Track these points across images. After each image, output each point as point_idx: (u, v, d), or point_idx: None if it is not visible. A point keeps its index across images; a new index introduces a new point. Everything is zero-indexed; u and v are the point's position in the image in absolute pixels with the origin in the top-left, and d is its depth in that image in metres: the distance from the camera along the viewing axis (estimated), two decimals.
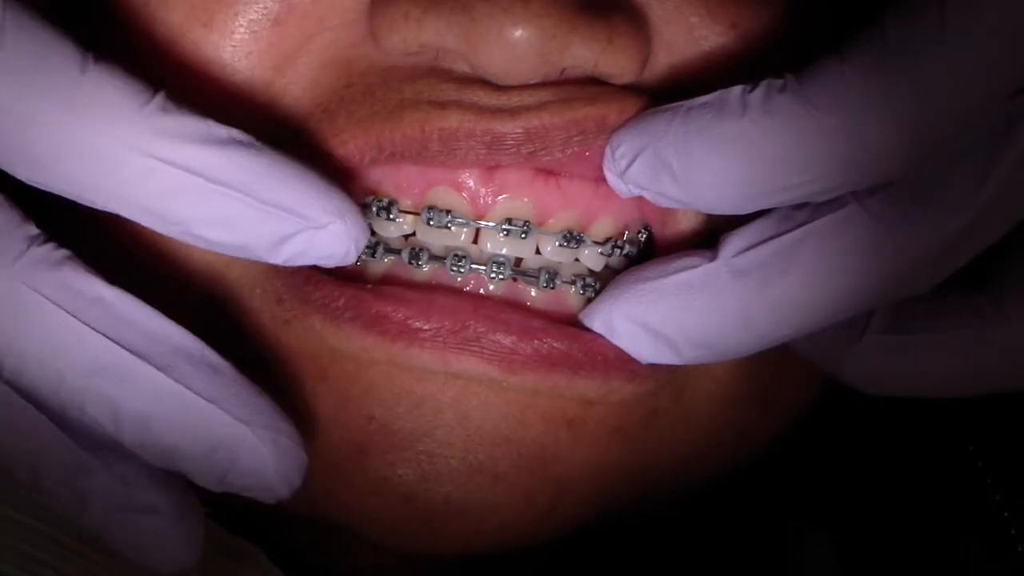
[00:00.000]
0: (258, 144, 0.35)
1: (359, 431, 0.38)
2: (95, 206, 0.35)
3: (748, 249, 0.37)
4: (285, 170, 0.35)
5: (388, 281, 0.40)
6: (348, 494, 0.39)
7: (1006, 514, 0.45)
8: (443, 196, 0.40)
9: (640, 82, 0.39)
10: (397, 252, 0.40)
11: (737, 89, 0.36)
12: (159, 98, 0.34)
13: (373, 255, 0.40)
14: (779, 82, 0.35)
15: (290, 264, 0.36)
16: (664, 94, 0.39)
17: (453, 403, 0.38)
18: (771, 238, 0.37)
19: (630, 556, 0.50)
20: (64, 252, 0.35)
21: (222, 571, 0.40)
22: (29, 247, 0.35)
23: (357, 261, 0.41)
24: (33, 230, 0.35)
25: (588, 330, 0.39)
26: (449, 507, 0.39)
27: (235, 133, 0.35)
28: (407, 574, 0.46)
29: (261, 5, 0.38)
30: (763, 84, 0.35)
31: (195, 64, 0.38)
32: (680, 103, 0.37)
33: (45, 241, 0.35)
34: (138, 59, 0.37)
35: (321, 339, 0.38)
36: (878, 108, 0.34)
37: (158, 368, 0.35)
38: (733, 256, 0.37)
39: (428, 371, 0.38)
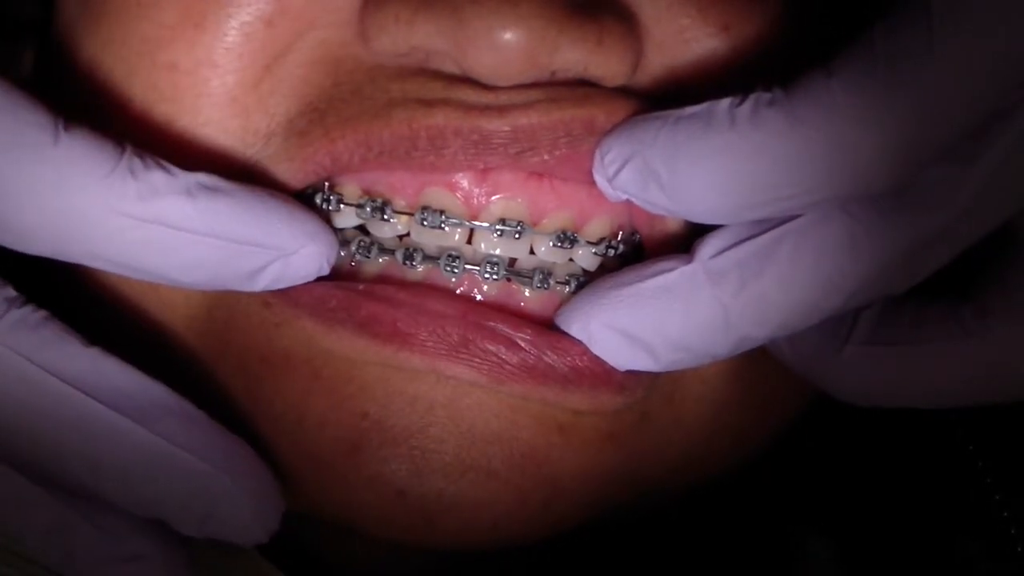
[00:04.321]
0: (223, 184, 0.36)
1: (353, 428, 0.39)
2: (69, 260, 0.36)
3: (725, 250, 0.37)
4: (250, 206, 0.36)
5: (382, 282, 0.40)
6: (341, 489, 0.39)
7: (1006, 514, 0.45)
8: (437, 196, 0.40)
9: (632, 84, 0.39)
10: (391, 252, 0.41)
11: (725, 101, 0.36)
12: (126, 159, 0.35)
13: (368, 255, 0.41)
14: (767, 96, 0.35)
15: (268, 290, 0.37)
16: (656, 96, 0.39)
17: (446, 402, 0.39)
18: (747, 239, 0.37)
19: (629, 557, 0.50)
20: (42, 313, 0.37)
21: (214, 567, 0.40)
22: (8, 310, 0.36)
23: (351, 261, 0.41)
24: (11, 292, 0.37)
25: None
26: (442, 502, 0.39)
27: (200, 178, 0.36)
28: (402, 573, 0.46)
29: (254, 7, 0.38)
30: (751, 97, 0.35)
31: (186, 65, 0.38)
32: (669, 112, 0.37)
33: (24, 303, 0.37)
34: (129, 61, 0.38)
35: (313, 341, 0.39)
36: (865, 124, 0.34)
37: (135, 421, 0.36)
38: (710, 258, 0.37)
39: (420, 372, 0.38)
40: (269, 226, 0.36)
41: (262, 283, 0.37)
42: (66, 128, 0.35)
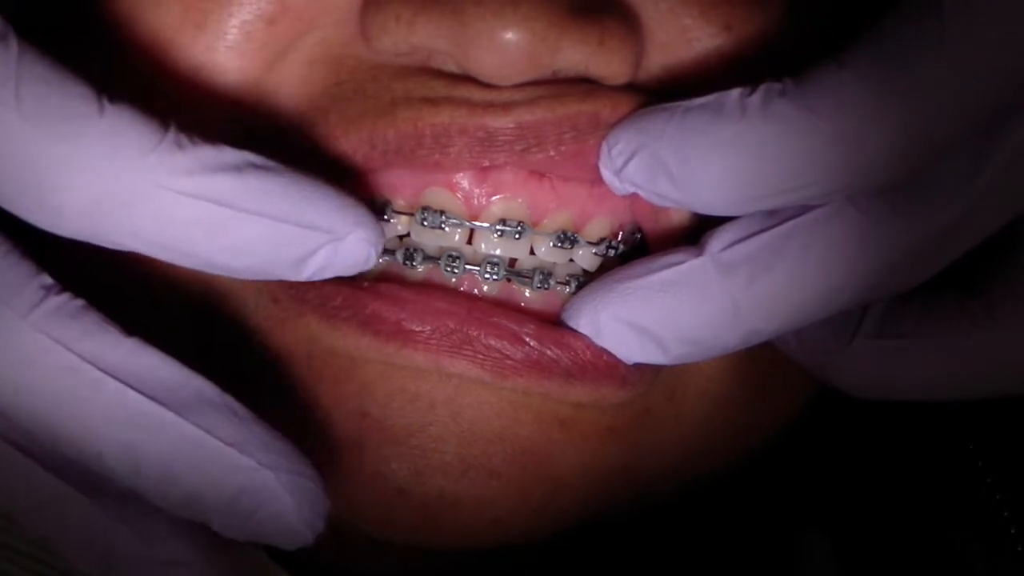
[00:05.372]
0: (272, 164, 0.35)
1: (353, 427, 0.39)
2: (112, 247, 0.34)
3: (734, 244, 0.37)
4: (301, 187, 0.35)
5: (384, 281, 0.40)
6: (343, 489, 0.39)
7: (1006, 513, 0.45)
8: (437, 196, 0.40)
9: (634, 83, 0.39)
10: (392, 252, 0.41)
11: (736, 92, 0.36)
12: (172, 133, 0.34)
13: None
14: (778, 86, 0.35)
15: (313, 279, 0.36)
16: (658, 95, 0.39)
17: (447, 401, 0.39)
18: (757, 233, 0.37)
19: (629, 555, 0.50)
20: (80, 302, 0.35)
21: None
22: (45, 297, 0.35)
23: None
24: (47, 280, 0.35)
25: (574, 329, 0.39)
26: (443, 501, 0.39)
27: (249, 156, 0.34)
28: (402, 574, 0.46)
29: (255, 6, 0.38)
30: (762, 87, 0.35)
31: (187, 66, 0.38)
32: (678, 103, 0.37)
33: (61, 291, 0.35)
34: (129, 62, 0.38)
35: (316, 339, 0.39)
36: (875, 115, 0.34)
37: (178, 414, 0.34)
38: (719, 251, 0.37)
39: (422, 370, 0.38)
40: (321, 207, 0.35)
41: (309, 270, 0.35)
42: (110, 101, 0.33)
